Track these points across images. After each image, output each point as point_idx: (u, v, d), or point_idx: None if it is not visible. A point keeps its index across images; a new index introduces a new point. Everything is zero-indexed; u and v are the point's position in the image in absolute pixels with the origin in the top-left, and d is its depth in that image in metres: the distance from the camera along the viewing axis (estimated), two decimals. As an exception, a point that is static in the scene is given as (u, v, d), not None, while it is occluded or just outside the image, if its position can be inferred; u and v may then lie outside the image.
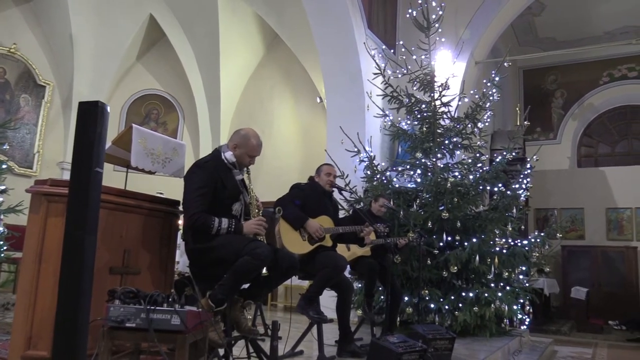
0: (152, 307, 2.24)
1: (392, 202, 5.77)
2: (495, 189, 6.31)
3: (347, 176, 6.26)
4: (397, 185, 6.30)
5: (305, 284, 5.10)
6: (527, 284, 6.27)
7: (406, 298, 5.53)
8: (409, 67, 6.75)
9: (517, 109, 11.81)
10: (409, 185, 6.32)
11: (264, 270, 3.09)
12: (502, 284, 5.87)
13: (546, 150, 11.52)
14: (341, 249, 4.50)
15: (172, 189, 5.29)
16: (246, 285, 3.11)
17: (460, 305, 5.55)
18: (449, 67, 7.19)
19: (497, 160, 6.44)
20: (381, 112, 6.78)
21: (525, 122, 10.42)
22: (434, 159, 6.35)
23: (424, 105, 6.54)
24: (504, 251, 5.88)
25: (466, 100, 7.04)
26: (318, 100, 9.94)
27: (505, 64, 7.06)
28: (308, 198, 4.03)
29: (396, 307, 4.83)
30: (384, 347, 3.50)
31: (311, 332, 4.09)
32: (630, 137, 12.58)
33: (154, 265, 3.27)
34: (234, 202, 3.13)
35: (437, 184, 6.02)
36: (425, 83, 6.63)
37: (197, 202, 2.96)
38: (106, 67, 10.52)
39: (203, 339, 2.51)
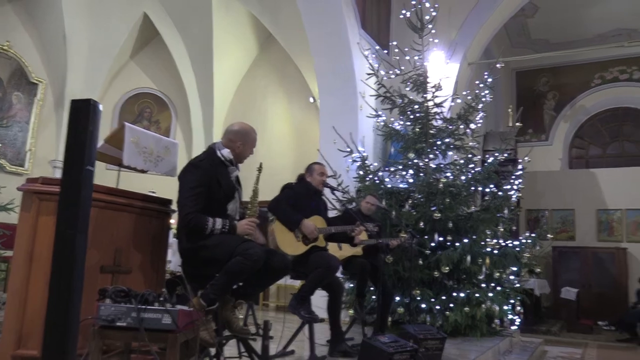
0: (143, 306, 2.24)
1: (383, 202, 5.79)
2: (487, 189, 6.35)
3: (339, 176, 6.27)
4: (389, 186, 6.31)
5: (297, 283, 5.11)
6: (517, 285, 6.31)
7: (397, 298, 5.55)
8: (402, 67, 6.77)
9: (510, 110, 11.86)
10: (401, 185, 6.34)
11: None
12: (493, 285, 5.91)
13: (538, 151, 11.61)
14: (333, 248, 4.51)
15: (165, 187, 5.28)
16: (238, 285, 3.11)
17: (452, 305, 5.57)
18: (442, 68, 7.22)
19: (489, 161, 6.48)
20: (374, 113, 6.80)
21: (517, 124, 10.48)
22: (426, 160, 6.37)
23: (416, 106, 6.56)
24: (495, 252, 5.91)
25: (459, 101, 7.07)
26: (311, 100, 9.95)
27: (498, 65, 7.11)
28: (300, 198, 4.04)
29: (387, 307, 4.85)
30: (375, 346, 3.51)
31: (303, 332, 4.09)
32: (621, 139, 12.68)
33: (145, 264, 3.26)
34: (229, 202, 3.13)
35: (429, 184, 6.05)
36: (418, 84, 6.65)
37: (192, 201, 2.95)
38: (99, 66, 10.47)
39: (194, 339, 2.51)
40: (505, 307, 5.89)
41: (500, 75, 10.88)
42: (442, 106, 6.63)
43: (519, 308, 6.20)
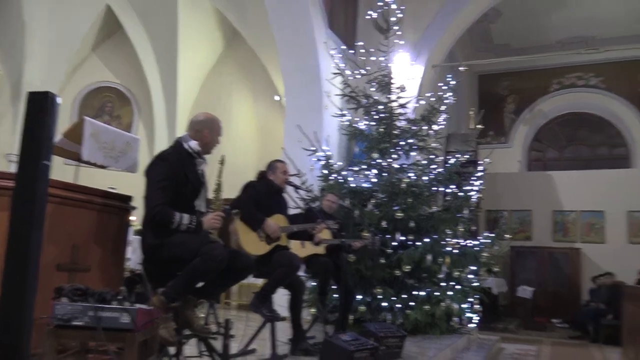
0: (101, 305, 2.20)
1: (347, 201, 5.83)
2: (448, 190, 6.47)
3: (304, 175, 6.28)
4: (353, 185, 6.36)
5: (260, 282, 5.09)
6: (476, 283, 6.45)
7: (359, 297, 5.59)
8: (368, 68, 6.83)
9: (472, 112, 12.10)
10: (364, 185, 6.39)
11: None
12: (452, 283, 6.02)
13: (498, 153, 11.82)
14: (296, 246, 4.51)
15: (125, 184, 5.18)
16: (200, 284, 3.08)
17: (412, 303, 5.66)
18: (407, 70, 7.31)
19: (451, 162, 6.61)
20: (339, 112, 6.84)
21: (478, 126, 10.70)
22: (390, 160, 6.44)
23: (381, 107, 6.64)
24: (455, 251, 6.03)
25: (423, 102, 7.18)
26: (277, 98, 9.92)
27: (461, 68, 7.25)
28: (263, 197, 4.02)
29: (349, 306, 4.88)
30: (337, 345, 3.54)
31: (264, 331, 4.09)
32: (577, 143, 13.10)
33: (104, 262, 3.20)
34: (196, 197, 3.10)
35: (392, 184, 6.13)
36: (383, 84, 6.73)
37: (159, 194, 2.91)
38: (59, 58, 10.18)
39: (153, 338, 2.48)
40: (464, 306, 6.02)
41: (463, 78, 11.10)
42: (406, 107, 6.72)
43: (477, 306, 6.35)
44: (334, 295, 5.75)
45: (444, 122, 7.07)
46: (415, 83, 8.27)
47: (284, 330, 4.37)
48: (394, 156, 6.47)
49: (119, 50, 11.14)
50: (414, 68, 8.07)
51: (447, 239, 6.02)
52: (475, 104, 13.31)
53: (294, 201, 4.89)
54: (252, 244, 3.83)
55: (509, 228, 10.39)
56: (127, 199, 3.41)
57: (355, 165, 6.69)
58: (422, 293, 5.73)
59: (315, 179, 6.55)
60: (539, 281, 11.74)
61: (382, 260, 5.75)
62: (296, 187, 4.26)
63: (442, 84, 6.92)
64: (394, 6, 6.98)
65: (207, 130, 3.17)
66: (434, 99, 6.91)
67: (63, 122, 6.28)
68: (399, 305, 5.64)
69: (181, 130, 11.02)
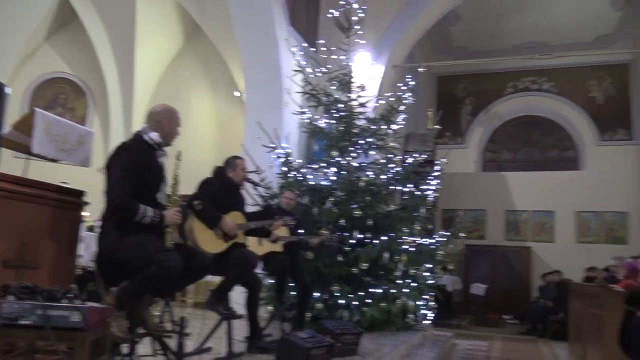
0: (50, 303, 2.14)
1: (306, 199, 5.85)
2: (406, 189, 6.57)
3: (263, 172, 6.25)
4: (312, 183, 6.38)
5: (216, 279, 5.04)
6: (431, 281, 6.58)
7: (317, 294, 5.62)
8: (329, 66, 6.86)
9: (430, 113, 12.31)
10: (323, 182, 6.42)
11: None
12: (408, 281, 6.13)
13: (454, 154, 12.13)
14: (253, 243, 4.49)
15: (78, 178, 5.03)
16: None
17: (369, 301, 5.73)
18: (368, 69, 7.37)
19: (409, 161, 6.71)
20: (299, 110, 6.84)
21: (436, 126, 10.89)
22: (349, 158, 6.49)
23: (341, 105, 6.67)
24: (412, 249, 6.13)
25: (382, 102, 7.25)
26: (237, 94, 9.83)
27: (420, 69, 7.36)
28: (220, 194, 3.98)
29: (306, 303, 4.90)
30: (293, 342, 3.55)
31: (220, 329, 4.05)
32: (530, 145, 13.53)
33: (54, 258, 3.11)
34: (158, 190, 3.03)
35: (351, 182, 6.18)
36: (343, 83, 6.77)
37: (121, 184, 2.83)
38: (9, 46, 9.74)
39: (105, 337, 2.42)
40: (420, 303, 6.14)
41: (423, 79, 11.29)
42: (366, 106, 6.79)
43: (432, 303, 6.48)
44: (292, 293, 5.76)
45: (403, 122, 7.16)
46: (376, 83, 8.35)
47: (240, 328, 4.34)
48: (353, 154, 6.52)
49: (73, 40, 10.78)
50: (374, 68, 8.14)
51: (404, 237, 6.11)
52: (434, 105, 13.55)
53: (253, 198, 4.86)
54: (209, 242, 3.79)
55: (464, 227, 10.66)
56: (79, 193, 3.32)
57: (315, 163, 6.71)
58: (379, 290, 5.81)
59: (274, 176, 6.53)
60: (492, 279, 12.08)
61: (340, 258, 5.79)
62: (255, 184, 4.23)
63: (401, 85, 7.02)
64: (355, 5, 7.03)
65: (166, 121, 3.12)
66: (393, 98, 6.99)
67: (13, 114, 6.06)
68: (356, 303, 5.70)
69: (138, 124, 10.81)
